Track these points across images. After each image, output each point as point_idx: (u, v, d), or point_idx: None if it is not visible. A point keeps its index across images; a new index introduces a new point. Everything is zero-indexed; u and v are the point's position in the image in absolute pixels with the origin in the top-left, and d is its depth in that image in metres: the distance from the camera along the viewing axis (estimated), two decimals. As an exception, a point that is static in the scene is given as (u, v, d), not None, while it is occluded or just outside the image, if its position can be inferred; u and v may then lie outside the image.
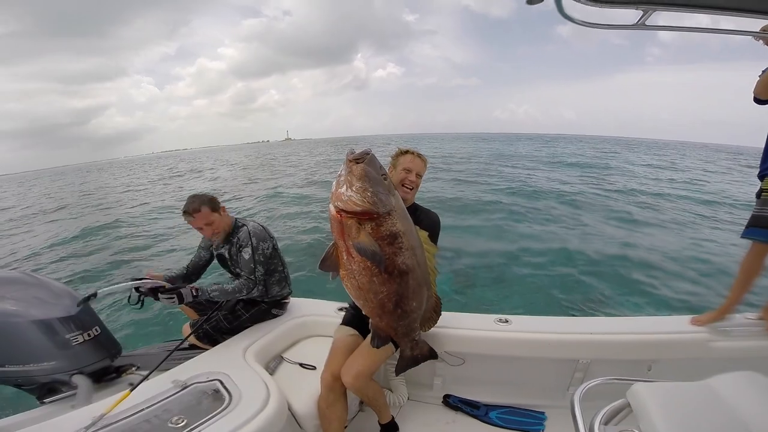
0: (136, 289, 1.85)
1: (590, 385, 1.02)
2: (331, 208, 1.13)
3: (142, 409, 1.47)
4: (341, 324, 1.89)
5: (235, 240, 2.01)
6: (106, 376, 2.01)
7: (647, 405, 0.83)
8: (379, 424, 1.80)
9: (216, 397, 1.55)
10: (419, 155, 1.73)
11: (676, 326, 1.90)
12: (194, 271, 2.21)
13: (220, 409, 1.45)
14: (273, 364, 1.94)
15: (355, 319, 1.86)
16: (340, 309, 2.29)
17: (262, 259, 2.00)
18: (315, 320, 2.26)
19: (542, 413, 1.95)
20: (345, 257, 1.16)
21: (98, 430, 1.35)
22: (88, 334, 1.92)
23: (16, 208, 17.85)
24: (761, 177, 1.69)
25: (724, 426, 0.74)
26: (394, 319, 1.27)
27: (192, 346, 2.12)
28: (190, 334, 2.06)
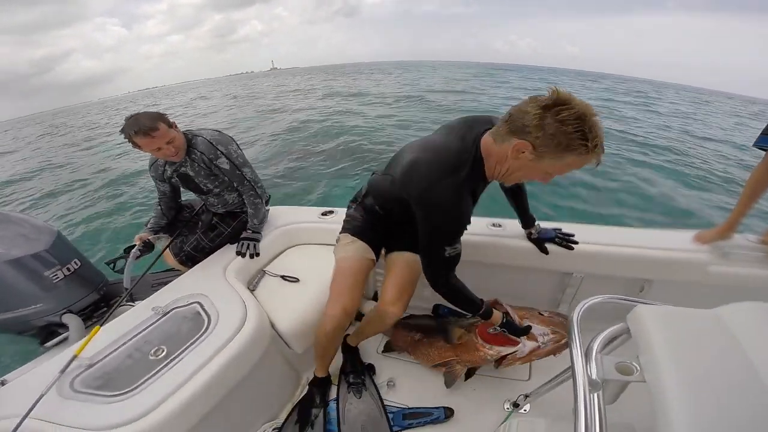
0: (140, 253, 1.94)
1: (592, 302, 0.89)
2: None
3: (123, 343, 1.45)
4: (352, 234, 1.52)
5: (197, 155, 1.77)
6: (98, 310, 2.03)
7: (648, 331, 0.70)
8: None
9: (196, 321, 1.52)
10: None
11: (677, 242, 1.67)
12: (170, 208, 2.05)
13: (199, 334, 1.43)
14: (255, 279, 1.87)
15: (369, 231, 1.52)
16: (324, 213, 2.14)
17: (241, 161, 1.84)
18: (297, 228, 2.13)
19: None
20: None
21: (82, 371, 1.35)
22: (68, 269, 1.87)
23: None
24: None
25: (730, 362, 0.61)
26: None
27: (172, 269, 2.07)
28: (159, 254, 1.99)
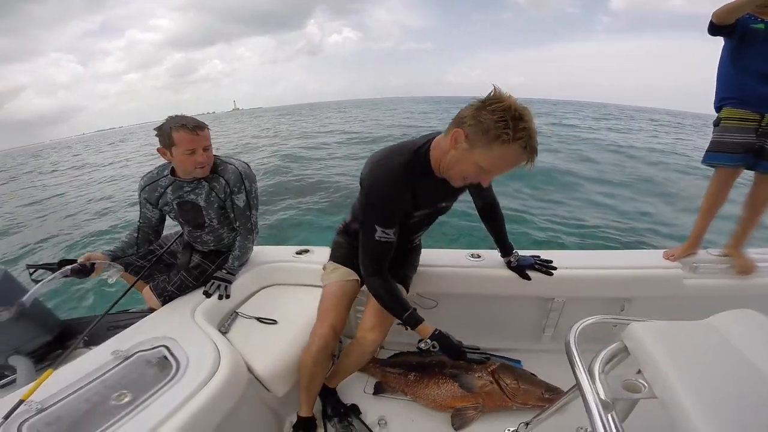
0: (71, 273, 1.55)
1: (585, 323, 0.89)
2: None
3: (80, 387, 1.34)
4: (336, 262, 1.60)
5: (220, 184, 1.69)
6: (51, 352, 1.88)
7: (649, 348, 0.71)
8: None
9: (162, 366, 1.44)
10: None
11: (650, 261, 1.80)
12: (147, 240, 1.90)
13: (167, 379, 1.34)
14: (227, 322, 1.79)
15: (353, 257, 1.54)
16: (299, 252, 2.13)
17: (255, 202, 1.80)
18: (271, 268, 2.09)
19: (518, 361, 1.87)
20: None
21: (31, 416, 1.22)
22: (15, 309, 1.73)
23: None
24: (718, 108, 1.74)
25: (734, 368, 0.64)
26: None
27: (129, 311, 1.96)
28: (123, 293, 1.81)
